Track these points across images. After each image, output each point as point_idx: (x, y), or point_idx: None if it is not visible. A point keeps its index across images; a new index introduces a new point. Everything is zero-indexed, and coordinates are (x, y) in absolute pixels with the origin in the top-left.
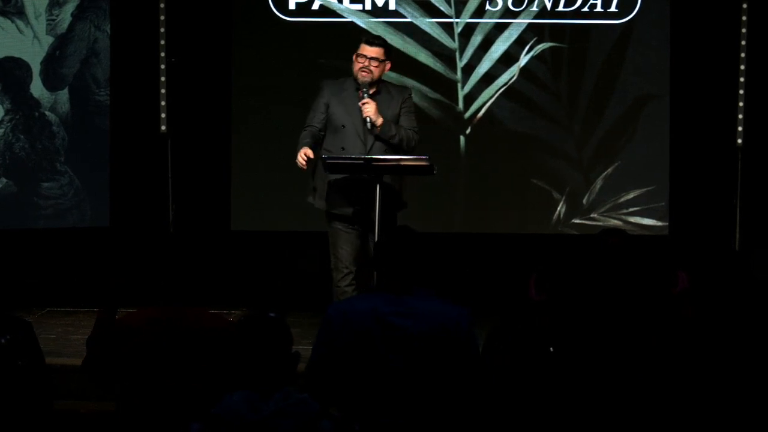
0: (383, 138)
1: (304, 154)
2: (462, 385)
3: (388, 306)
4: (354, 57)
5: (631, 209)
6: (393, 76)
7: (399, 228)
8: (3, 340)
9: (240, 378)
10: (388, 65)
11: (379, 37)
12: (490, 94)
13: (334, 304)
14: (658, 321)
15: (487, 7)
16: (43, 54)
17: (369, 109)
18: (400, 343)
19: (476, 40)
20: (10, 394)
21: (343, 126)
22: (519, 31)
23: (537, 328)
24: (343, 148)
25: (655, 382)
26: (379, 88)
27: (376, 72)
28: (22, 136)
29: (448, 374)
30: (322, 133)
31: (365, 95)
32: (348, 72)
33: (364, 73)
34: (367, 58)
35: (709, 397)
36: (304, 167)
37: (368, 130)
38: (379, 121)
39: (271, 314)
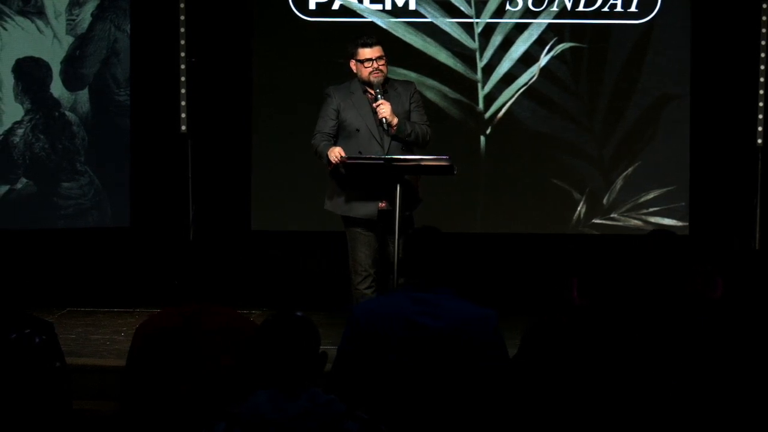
0: (400, 137)
1: (338, 152)
2: (488, 386)
3: (414, 306)
4: (354, 65)
5: (651, 209)
6: (414, 77)
7: (426, 228)
8: (38, 340)
9: (267, 377)
10: (386, 58)
11: (371, 35)
12: (511, 94)
13: (359, 304)
14: (698, 325)
15: (508, 7)
16: (63, 54)
17: (385, 110)
18: (427, 343)
19: (496, 40)
20: (32, 394)
21: (358, 130)
22: (539, 31)
23: (577, 330)
24: (360, 152)
25: (688, 384)
26: (385, 87)
27: (385, 69)
28: (42, 136)
29: (474, 375)
30: (334, 140)
31: (379, 96)
32: (349, 74)
33: (376, 75)
34: (373, 60)
35: (727, 396)
36: (336, 162)
37: (384, 131)
38: (395, 121)
39: (298, 313)
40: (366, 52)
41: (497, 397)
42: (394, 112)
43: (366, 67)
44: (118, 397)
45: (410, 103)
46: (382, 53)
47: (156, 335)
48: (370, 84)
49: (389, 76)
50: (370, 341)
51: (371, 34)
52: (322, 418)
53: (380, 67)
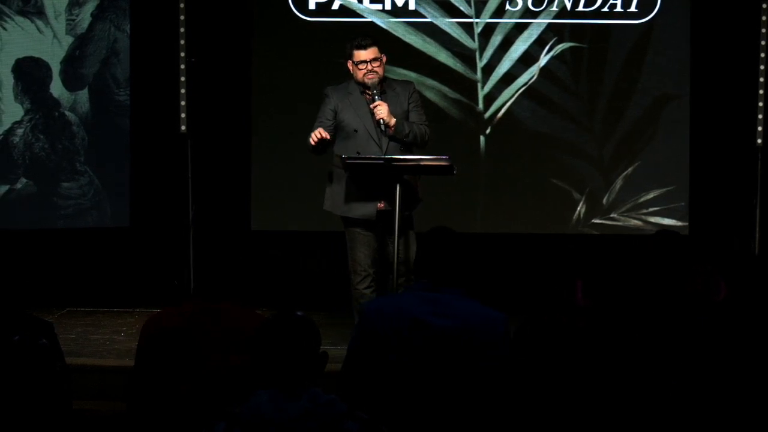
0: (397, 138)
1: (318, 133)
2: (491, 389)
3: (425, 305)
4: (350, 66)
5: (651, 209)
6: (413, 77)
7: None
8: (39, 341)
9: (267, 377)
10: (385, 58)
11: (366, 37)
12: (510, 94)
13: (371, 301)
14: (697, 325)
15: (507, 7)
16: (63, 54)
17: (382, 111)
18: (437, 342)
19: (496, 40)
20: (33, 394)
21: (356, 131)
22: (539, 31)
23: (579, 332)
24: (358, 153)
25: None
26: (383, 87)
27: (380, 71)
28: (41, 136)
29: (481, 376)
30: (331, 140)
31: (376, 97)
32: (348, 75)
33: (371, 77)
34: (367, 62)
35: (726, 396)
36: (314, 142)
37: (381, 131)
38: (392, 121)
39: (299, 313)
40: (360, 54)
41: (499, 399)
42: (392, 112)
43: (360, 69)
44: (125, 397)
45: (409, 103)
46: (378, 54)
47: (161, 334)
48: (366, 85)
49: (389, 76)
50: (379, 338)
51: (367, 35)
52: (323, 419)
53: (375, 69)
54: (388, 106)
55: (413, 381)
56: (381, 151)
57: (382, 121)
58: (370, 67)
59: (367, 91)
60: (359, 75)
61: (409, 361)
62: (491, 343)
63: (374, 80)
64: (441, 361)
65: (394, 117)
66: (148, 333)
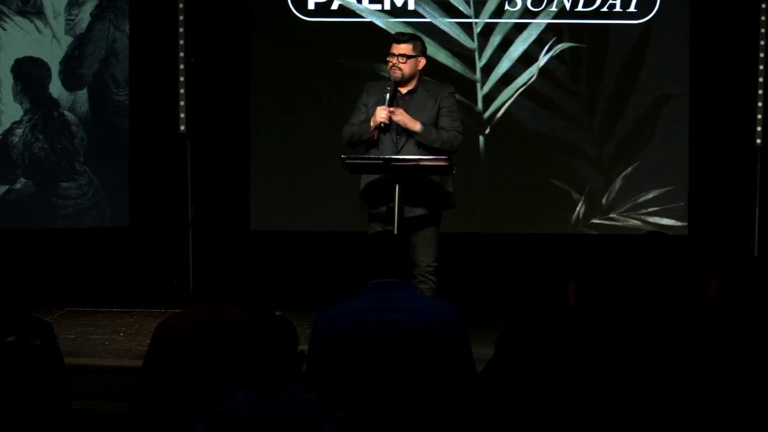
0: (425, 143)
1: (382, 109)
2: (451, 382)
3: (375, 304)
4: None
5: (650, 209)
6: None
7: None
8: (37, 342)
9: (245, 377)
10: (422, 61)
11: (406, 33)
12: (510, 94)
13: (323, 311)
14: (697, 325)
15: (506, 7)
16: (62, 54)
17: (401, 119)
18: (388, 341)
19: (495, 40)
20: (31, 395)
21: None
22: (538, 31)
23: (574, 333)
24: (377, 148)
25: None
26: (415, 87)
27: (405, 69)
28: (41, 136)
29: (437, 371)
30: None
31: (387, 93)
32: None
33: (394, 71)
34: (395, 56)
35: (727, 397)
36: (386, 118)
37: (402, 130)
38: (417, 127)
39: (277, 313)
40: (393, 47)
41: (460, 395)
42: (416, 114)
43: (389, 61)
44: (134, 396)
45: (440, 107)
46: (411, 53)
47: (171, 336)
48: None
49: (427, 78)
50: (331, 346)
51: (405, 32)
52: (300, 418)
53: (399, 65)
54: (413, 106)
55: (375, 382)
56: (396, 149)
57: (396, 126)
58: (395, 61)
59: (399, 89)
60: (388, 66)
61: (368, 362)
62: (447, 333)
63: (396, 76)
64: (401, 359)
65: (419, 119)
66: (159, 335)
